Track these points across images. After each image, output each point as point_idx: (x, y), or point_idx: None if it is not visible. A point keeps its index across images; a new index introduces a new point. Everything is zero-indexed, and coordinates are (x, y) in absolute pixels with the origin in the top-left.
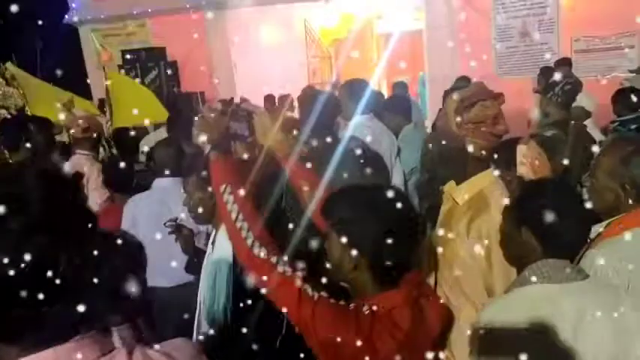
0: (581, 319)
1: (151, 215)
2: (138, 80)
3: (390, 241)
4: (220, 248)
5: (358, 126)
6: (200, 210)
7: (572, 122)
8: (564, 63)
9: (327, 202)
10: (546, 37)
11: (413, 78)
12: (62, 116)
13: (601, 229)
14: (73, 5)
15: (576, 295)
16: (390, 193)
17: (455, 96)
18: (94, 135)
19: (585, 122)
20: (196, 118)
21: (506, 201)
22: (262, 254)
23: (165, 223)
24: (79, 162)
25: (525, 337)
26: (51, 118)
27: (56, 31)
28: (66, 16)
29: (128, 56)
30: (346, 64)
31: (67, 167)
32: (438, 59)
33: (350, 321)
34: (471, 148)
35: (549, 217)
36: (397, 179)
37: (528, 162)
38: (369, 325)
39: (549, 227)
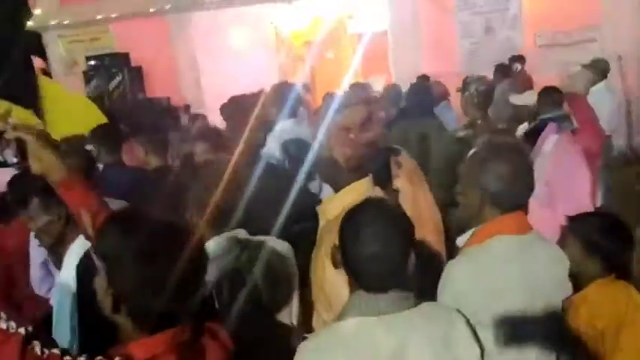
0: (401, 353)
1: None
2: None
3: (153, 284)
4: (64, 275)
5: (283, 131)
6: (45, 235)
7: (479, 122)
8: (517, 60)
9: (99, 232)
10: (510, 33)
11: (389, 77)
12: None
13: (467, 238)
14: (37, 12)
15: (395, 328)
16: (166, 229)
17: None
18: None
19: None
20: None
21: None
22: None
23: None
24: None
25: None
26: None
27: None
28: (30, 22)
29: (92, 62)
30: (321, 65)
31: None
32: (404, 58)
33: None
34: (337, 156)
35: (348, 246)
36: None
37: (402, 174)
38: None
39: (350, 257)
